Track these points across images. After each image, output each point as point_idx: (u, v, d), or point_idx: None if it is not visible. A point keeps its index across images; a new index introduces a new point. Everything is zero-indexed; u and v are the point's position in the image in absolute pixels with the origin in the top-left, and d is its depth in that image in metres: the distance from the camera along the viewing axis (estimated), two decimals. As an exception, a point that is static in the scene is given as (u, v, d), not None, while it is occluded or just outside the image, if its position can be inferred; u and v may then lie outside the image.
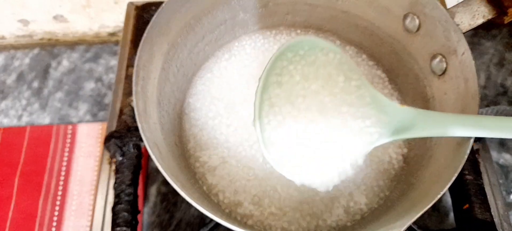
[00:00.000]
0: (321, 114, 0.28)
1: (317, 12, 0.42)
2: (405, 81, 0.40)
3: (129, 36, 0.46)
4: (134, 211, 0.36)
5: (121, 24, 0.53)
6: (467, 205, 0.36)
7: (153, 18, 0.33)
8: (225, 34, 0.42)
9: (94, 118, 0.49)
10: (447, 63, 0.33)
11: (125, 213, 0.35)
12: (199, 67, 0.42)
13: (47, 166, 0.45)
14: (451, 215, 0.41)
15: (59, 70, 0.53)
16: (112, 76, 0.52)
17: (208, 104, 0.40)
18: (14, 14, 0.54)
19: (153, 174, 0.45)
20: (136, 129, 0.38)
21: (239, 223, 0.35)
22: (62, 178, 0.45)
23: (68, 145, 0.47)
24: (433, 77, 0.35)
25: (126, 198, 0.36)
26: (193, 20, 0.37)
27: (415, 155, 0.37)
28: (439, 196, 0.27)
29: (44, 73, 0.52)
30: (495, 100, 0.50)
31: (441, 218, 0.42)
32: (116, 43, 0.55)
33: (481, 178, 0.37)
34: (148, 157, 0.44)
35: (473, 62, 0.30)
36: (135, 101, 0.30)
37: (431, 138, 0.34)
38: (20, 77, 0.52)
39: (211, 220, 0.35)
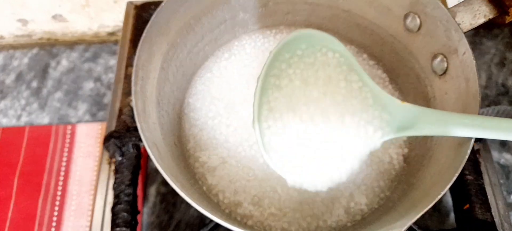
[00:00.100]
0: (323, 122, 0.28)
1: (318, 11, 0.42)
2: (406, 81, 0.40)
3: (128, 36, 0.46)
4: (133, 211, 0.36)
5: (121, 24, 0.52)
6: (467, 205, 0.36)
7: (152, 17, 0.33)
8: (225, 34, 0.42)
9: (93, 118, 0.49)
10: (448, 63, 0.33)
11: (125, 213, 0.35)
12: (198, 67, 0.42)
13: (47, 166, 0.45)
14: (452, 215, 0.41)
15: (58, 70, 0.53)
16: (111, 76, 0.52)
17: (208, 104, 0.40)
18: (13, 13, 0.54)
19: (152, 174, 0.44)
20: (136, 129, 0.38)
21: (239, 223, 0.35)
22: (61, 178, 0.45)
23: (67, 145, 0.46)
24: (434, 77, 0.35)
25: (126, 198, 0.36)
26: (193, 20, 0.37)
27: (416, 155, 0.37)
28: (439, 196, 0.27)
29: (43, 73, 0.52)
30: (496, 100, 0.50)
31: (442, 218, 0.42)
32: (116, 42, 0.55)
33: (482, 178, 0.37)
34: (148, 157, 0.43)
35: (474, 62, 0.30)
36: (134, 101, 0.30)
37: (431, 137, 0.34)
38: (19, 77, 0.52)
39: (211, 220, 0.35)
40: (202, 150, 0.37)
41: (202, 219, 0.42)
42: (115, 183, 0.37)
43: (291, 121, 0.28)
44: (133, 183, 0.37)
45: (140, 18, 0.47)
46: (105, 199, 0.38)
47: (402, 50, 0.39)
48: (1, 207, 0.43)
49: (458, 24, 0.32)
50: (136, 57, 0.31)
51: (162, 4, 0.33)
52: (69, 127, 0.47)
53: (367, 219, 0.35)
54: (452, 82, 0.33)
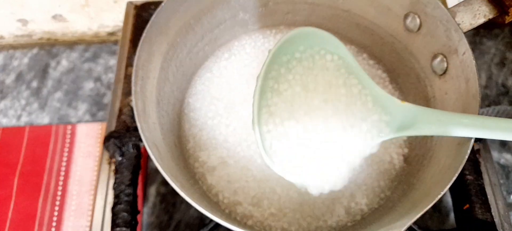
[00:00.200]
0: (325, 129, 0.28)
1: (318, 11, 0.42)
2: (406, 80, 0.40)
3: (128, 36, 0.46)
4: (133, 211, 0.36)
5: (120, 24, 0.52)
6: (467, 205, 0.36)
7: (152, 17, 0.33)
8: (225, 34, 0.42)
9: (93, 118, 0.49)
10: (448, 63, 0.33)
11: (125, 213, 0.35)
12: (198, 67, 0.42)
13: (47, 166, 0.45)
14: (452, 215, 0.41)
15: (58, 70, 0.53)
16: (111, 76, 0.52)
17: (208, 104, 0.40)
18: (13, 13, 0.54)
19: (152, 174, 0.44)
20: (136, 129, 0.38)
21: (239, 223, 0.35)
22: (61, 178, 0.45)
23: (67, 145, 0.46)
24: (434, 77, 0.35)
25: (126, 198, 0.36)
26: (193, 20, 0.37)
27: (416, 155, 0.37)
28: (439, 196, 0.27)
29: (43, 73, 0.52)
30: (496, 100, 0.50)
31: (442, 218, 0.42)
32: (115, 42, 0.55)
33: (482, 178, 0.37)
34: (148, 157, 0.43)
35: (474, 62, 0.30)
36: (134, 101, 0.30)
37: (431, 137, 0.34)
38: (19, 77, 0.52)
39: (211, 220, 0.35)
40: (201, 150, 0.37)
41: (202, 219, 0.42)
42: (115, 183, 0.37)
43: (292, 128, 0.28)
44: (133, 183, 0.37)
45: (140, 18, 0.47)
46: (105, 199, 0.38)
47: (402, 50, 0.39)
48: (1, 207, 0.43)
49: (458, 24, 0.32)
50: (136, 57, 0.31)
51: (162, 4, 0.33)
52: (69, 127, 0.47)
53: (367, 219, 0.35)
54: (452, 82, 0.33)
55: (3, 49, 0.54)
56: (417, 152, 0.37)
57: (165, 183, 0.43)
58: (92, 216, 0.37)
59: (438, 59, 0.34)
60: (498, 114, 0.45)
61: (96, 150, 0.46)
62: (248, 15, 0.42)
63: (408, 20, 0.36)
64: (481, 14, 0.32)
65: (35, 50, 0.54)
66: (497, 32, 0.55)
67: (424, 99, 0.37)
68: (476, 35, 0.55)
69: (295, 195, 0.35)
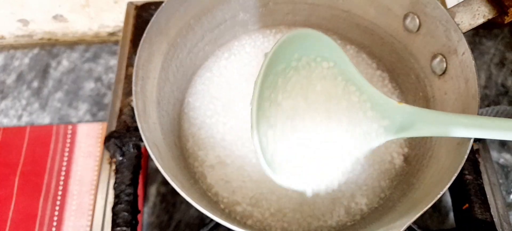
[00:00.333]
0: (326, 135, 0.28)
1: (318, 11, 0.42)
2: (406, 80, 0.40)
3: (128, 36, 0.46)
4: (134, 211, 0.36)
5: (121, 24, 0.53)
6: (467, 205, 0.36)
7: (153, 17, 0.33)
8: (225, 34, 0.42)
9: (94, 118, 0.49)
10: (447, 63, 0.33)
11: (125, 213, 0.35)
12: (198, 67, 0.42)
13: (47, 166, 0.45)
14: (451, 215, 0.41)
15: (59, 70, 0.53)
16: (111, 76, 0.52)
17: (207, 103, 0.40)
18: (13, 13, 0.54)
19: (152, 174, 0.45)
20: (136, 128, 0.38)
21: (239, 223, 0.35)
22: (62, 178, 0.45)
23: (68, 145, 0.46)
24: (434, 77, 0.35)
25: (126, 198, 0.36)
26: (193, 20, 0.37)
27: (416, 154, 0.37)
28: (439, 196, 0.27)
29: (44, 73, 0.52)
30: (495, 100, 0.50)
31: (441, 218, 0.42)
32: (116, 43, 0.55)
33: (481, 178, 0.37)
34: (148, 156, 0.44)
35: (473, 62, 0.30)
36: (134, 101, 0.30)
37: (431, 137, 0.34)
38: (20, 77, 0.52)
39: (211, 220, 0.35)
40: (200, 149, 0.38)
41: (202, 218, 0.42)
42: (115, 182, 0.37)
43: (294, 139, 0.28)
44: (134, 183, 0.37)
45: (140, 18, 0.47)
46: (105, 198, 0.38)
47: (402, 50, 0.39)
48: (1, 207, 0.43)
49: (458, 25, 0.32)
50: (136, 57, 0.31)
51: (163, 4, 0.33)
52: (70, 127, 0.48)
53: (367, 218, 0.35)
54: (452, 82, 0.33)
55: (4, 49, 0.54)
56: (416, 151, 0.37)
57: (165, 182, 0.43)
58: (92, 216, 0.37)
59: (438, 59, 0.34)
60: (498, 114, 0.45)
61: (97, 149, 0.46)
62: (248, 15, 0.42)
63: (408, 21, 0.36)
64: (481, 14, 0.32)
65: (35, 50, 0.54)
66: (497, 32, 0.55)
67: (424, 99, 0.37)
68: (476, 36, 0.55)
69: (295, 195, 0.35)
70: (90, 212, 0.43)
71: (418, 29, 0.36)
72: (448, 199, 0.42)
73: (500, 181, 0.45)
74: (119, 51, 0.46)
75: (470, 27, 0.32)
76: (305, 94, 0.29)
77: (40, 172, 0.45)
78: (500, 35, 0.55)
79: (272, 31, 0.44)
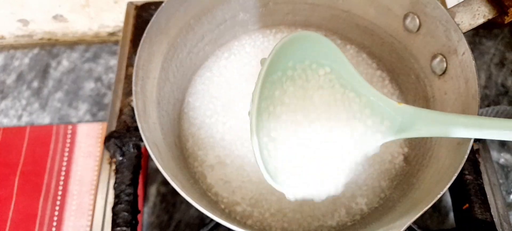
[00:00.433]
0: (327, 147, 0.28)
1: (318, 11, 0.42)
2: (406, 80, 0.40)
3: (128, 36, 0.46)
4: (134, 211, 0.36)
5: (121, 24, 0.53)
6: (467, 205, 0.36)
7: (153, 18, 0.33)
8: (225, 34, 0.42)
9: (94, 118, 0.49)
10: (447, 63, 0.33)
11: (125, 213, 0.35)
12: (198, 67, 0.42)
13: (47, 166, 0.45)
14: (451, 215, 0.41)
15: (59, 70, 0.53)
16: (111, 76, 0.52)
17: (207, 103, 0.40)
18: (13, 13, 0.54)
19: (152, 174, 0.45)
20: (136, 128, 0.38)
21: (239, 223, 0.35)
22: (62, 178, 0.45)
23: (68, 145, 0.46)
24: (434, 77, 0.35)
25: (126, 198, 0.36)
26: (193, 20, 0.37)
27: (416, 154, 0.37)
28: (439, 196, 0.27)
29: (44, 73, 0.52)
30: (495, 100, 0.50)
31: (441, 218, 0.42)
32: (116, 43, 0.55)
33: (481, 178, 0.37)
34: (148, 156, 0.44)
35: (473, 62, 0.30)
36: (134, 101, 0.30)
37: (431, 137, 0.34)
38: (20, 77, 0.52)
39: (211, 220, 0.35)
40: (200, 149, 0.38)
41: (202, 218, 0.42)
42: (115, 182, 0.37)
43: (298, 153, 0.28)
44: (134, 183, 0.37)
45: (140, 18, 0.47)
46: (105, 198, 0.38)
47: (402, 50, 0.39)
48: (1, 207, 0.43)
49: (458, 25, 0.32)
50: (136, 57, 0.31)
51: (163, 4, 0.33)
52: (70, 127, 0.48)
53: (367, 218, 0.35)
54: (452, 82, 0.33)
55: (4, 49, 0.54)
56: (417, 151, 0.37)
57: (165, 182, 0.43)
58: (92, 216, 0.37)
59: (438, 59, 0.34)
60: (498, 115, 0.45)
61: (97, 149, 0.46)
62: (248, 15, 0.42)
63: (408, 21, 0.36)
64: (481, 14, 0.32)
65: (35, 50, 0.54)
66: (497, 33, 0.55)
67: (424, 99, 0.37)
68: (476, 36, 0.55)
69: (295, 195, 0.35)
70: (90, 212, 0.43)
71: (418, 29, 0.36)
72: (448, 199, 0.42)
73: (500, 181, 0.45)
74: (119, 51, 0.46)
75: (470, 27, 0.32)
76: (303, 106, 0.28)
77: (40, 172, 0.45)
78: (500, 35, 0.55)
79: (272, 31, 0.44)
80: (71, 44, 0.55)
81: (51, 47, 0.54)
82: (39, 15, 0.55)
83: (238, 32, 0.43)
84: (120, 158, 0.38)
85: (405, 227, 0.26)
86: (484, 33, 0.55)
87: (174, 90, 0.38)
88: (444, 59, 0.34)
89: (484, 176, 0.40)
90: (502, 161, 0.46)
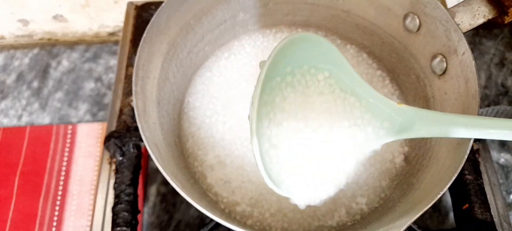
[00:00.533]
0: (328, 148, 0.28)
1: (318, 11, 0.42)
2: (406, 80, 0.40)
3: (128, 36, 0.46)
4: (134, 211, 0.36)
5: (121, 24, 0.53)
6: (467, 205, 0.36)
7: (153, 17, 0.33)
8: (225, 34, 0.42)
9: (94, 118, 0.49)
10: (447, 63, 0.33)
11: (125, 213, 0.35)
12: (198, 67, 0.42)
13: (47, 166, 0.45)
14: (451, 215, 0.41)
15: (59, 70, 0.53)
16: (111, 76, 0.52)
17: (207, 103, 0.40)
18: (13, 13, 0.54)
19: (152, 174, 0.45)
20: (136, 128, 0.38)
21: (239, 222, 0.35)
22: (62, 178, 0.45)
23: (68, 145, 0.46)
24: (434, 77, 0.35)
25: (126, 198, 0.36)
26: (193, 20, 0.37)
27: (416, 154, 0.37)
28: (439, 196, 0.27)
29: (44, 73, 0.52)
30: (495, 100, 0.50)
31: (441, 218, 0.42)
32: (116, 43, 0.55)
33: (481, 178, 0.37)
34: (148, 156, 0.44)
35: (473, 62, 0.30)
36: (134, 101, 0.30)
37: (431, 137, 0.34)
38: (20, 77, 0.52)
39: (211, 220, 0.35)
40: (200, 149, 0.38)
41: (202, 218, 0.42)
42: (115, 182, 0.37)
43: (298, 155, 0.28)
44: (134, 183, 0.37)
45: (140, 18, 0.47)
46: (105, 198, 0.38)
47: (402, 51, 0.39)
48: (1, 207, 0.43)
49: (458, 25, 0.32)
50: (136, 57, 0.31)
51: (163, 4, 0.33)
52: (70, 127, 0.48)
53: (367, 218, 0.35)
54: (452, 82, 0.33)
55: (4, 49, 0.54)
56: (417, 151, 0.37)
57: (165, 182, 0.43)
58: (92, 216, 0.37)
59: (438, 59, 0.34)
60: (498, 114, 0.45)
61: (97, 149, 0.46)
62: (248, 15, 0.42)
63: (408, 21, 0.36)
64: (481, 14, 0.32)
65: (35, 50, 0.54)
66: (497, 33, 0.55)
67: (424, 99, 0.37)
68: (476, 36, 0.55)
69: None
70: (90, 212, 0.43)
71: (418, 29, 0.36)
72: (448, 199, 0.42)
73: (500, 181, 0.45)
74: (119, 51, 0.46)
75: (470, 27, 0.32)
76: (304, 113, 0.28)
77: (40, 172, 0.45)
78: (500, 35, 0.55)
79: (272, 31, 0.44)
80: (71, 44, 0.55)
81: (51, 47, 0.54)
82: (39, 15, 0.55)
83: (238, 32, 0.43)
84: (120, 158, 0.38)
85: (405, 227, 0.26)
86: (484, 33, 0.55)
87: (174, 90, 0.38)
88: (444, 59, 0.34)
89: (484, 176, 0.40)
90: (502, 161, 0.46)
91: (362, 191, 0.36)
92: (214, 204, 0.35)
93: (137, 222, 0.36)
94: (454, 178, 0.27)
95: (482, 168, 0.39)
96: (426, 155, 0.34)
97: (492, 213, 0.36)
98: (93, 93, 0.51)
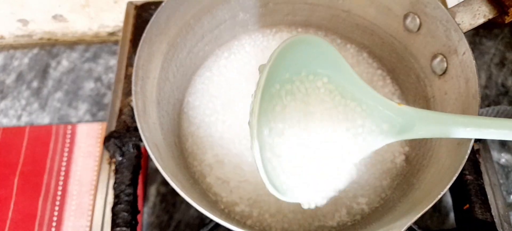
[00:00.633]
0: (328, 151, 0.28)
1: (318, 11, 0.42)
2: (406, 80, 0.40)
3: (128, 36, 0.46)
4: (133, 211, 0.36)
5: (121, 24, 0.53)
6: (467, 205, 0.36)
7: (153, 17, 0.33)
8: (225, 34, 0.42)
9: (94, 118, 0.49)
10: (447, 63, 0.33)
11: (125, 213, 0.35)
12: (198, 66, 0.42)
13: (47, 166, 0.45)
14: (452, 215, 0.41)
15: (59, 70, 0.53)
16: (111, 76, 0.52)
17: (206, 102, 0.40)
18: (13, 13, 0.54)
19: (152, 174, 0.44)
20: (136, 128, 0.38)
21: (238, 223, 0.35)
22: (61, 178, 0.45)
23: (67, 145, 0.46)
24: (434, 77, 0.35)
25: (126, 198, 0.36)
26: (193, 20, 0.37)
27: (416, 155, 0.37)
28: (439, 197, 0.27)
29: (44, 73, 0.52)
30: (496, 100, 0.50)
31: (442, 218, 0.42)
32: (116, 42, 0.55)
33: (482, 178, 0.37)
34: (148, 157, 0.44)
35: (473, 62, 0.30)
36: (134, 101, 0.30)
37: (431, 137, 0.34)
38: (20, 77, 0.52)
39: (211, 220, 0.35)
40: (199, 148, 0.38)
41: (202, 218, 0.42)
42: (115, 183, 0.37)
43: (300, 161, 0.28)
44: (133, 183, 0.37)
45: (140, 18, 0.47)
46: (105, 199, 0.38)
47: (402, 50, 0.39)
48: (1, 207, 0.43)
49: (458, 24, 0.32)
50: (136, 57, 0.31)
51: (162, 4, 0.33)
52: (70, 127, 0.48)
53: (367, 219, 0.35)
54: (452, 82, 0.33)
55: (4, 49, 0.54)
56: (417, 151, 0.37)
57: (165, 182, 0.43)
58: (92, 216, 0.37)
59: (438, 59, 0.34)
60: (498, 115, 0.45)
61: (96, 150, 0.46)
62: (248, 15, 0.42)
63: (408, 21, 0.36)
64: (481, 14, 0.32)
65: (35, 50, 0.54)
66: (497, 32, 0.55)
67: (424, 99, 0.37)
68: (476, 35, 0.55)
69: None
70: (90, 212, 0.42)
71: (418, 29, 0.36)
72: (449, 199, 0.42)
73: (501, 181, 0.45)
74: (119, 51, 0.46)
75: (471, 27, 0.32)
76: (306, 123, 0.28)
77: (39, 172, 0.45)
78: (500, 35, 0.55)
79: (272, 31, 0.44)
80: (71, 44, 0.55)
81: (50, 47, 0.54)
82: (39, 15, 0.55)
83: (238, 32, 0.43)
84: (120, 158, 0.38)
85: (405, 227, 0.26)
86: (484, 33, 0.55)
87: (174, 90, 0.38)
88: (444, 59, 0.34)
89: (485, 176, 0.40)
90: (502, 161, 0.46)
91: (363, 191, 0.36)
92: (213, 204, 0.35)
93: (136, 222, 0.36)
94: (454, 178, 0.27)
95: (482, 168, 0.39)
96: (426, 155, 0.34)
97: (493, 213, 0.36)
98: (92, 93, 0.51)
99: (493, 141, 0.46)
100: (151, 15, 0.33)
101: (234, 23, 0.42)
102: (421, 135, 0.28)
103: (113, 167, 0.39)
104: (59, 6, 0.54)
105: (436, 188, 0.28)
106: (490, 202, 0.36)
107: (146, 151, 0.34)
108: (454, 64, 0.33)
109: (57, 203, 0.43)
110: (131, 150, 0.38)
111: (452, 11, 0.32)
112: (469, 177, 0.37)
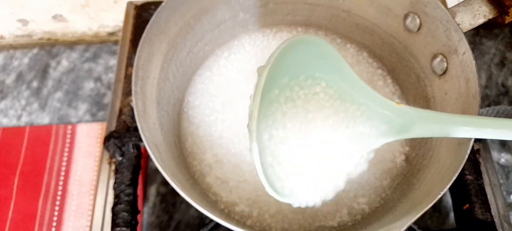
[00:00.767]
0: (328, 152, 0.28)
1: (318, 11, 0.42)
2: (406, 80, 0.40)
3: (128, 36, 0.46)
4: (133, 211, 0.36)
5: (121, 24, 0.53)
6: (467, 205, 0.36)
7: (153, 17, 0.33)
8: (225, 34, 0.42)
9: (94, 118, 0.49)
10: (448, 63, 0.33)
11: (125, 213, 0.35)
12: (198, 66, 0.42)
13: (47, 166, 0.45)
14: (452, 215, 0.41)
15: (58, 70, 0.53)
16: (111, 76, 0.52)
17: (206, 102, 0.40)
18: (13, 13, 0.54)
19: (152, 174, 0.44)
20: (136, 128, 0.38)
21: (238, 223, 0.35)
22: (61, 178, 0.45)
23: (67, 145, 0.46)
24: (434, 77, 0.35)
25: (126, 198, 0.36)
26: (193, 20, 0.37)
27: (416, 154, 0.37)
28: (439, 197, 0.27)
29: (43, 73, 0.52)
30: (496, 100, 0.50)
31: (442, 218, 0.42)
32: (116, 42, 0.55)
33: (482, 178, 0.37)
34: (148, 157, 0.44)
35: (474, 62, 0.30)
36: (134, 101, 0.30)
37: (431, 137, 0.34)
38: (19, 77, 0.52)
39: (211, 220, 0.35)
40: (198, 148, 0.38)
41: (202, 218, 0.42)
42: (115, 183, 0.37)
43: (301, 165, 0.28)
44: (133, 183, 0.37)
45: (140, 18, 0.47)
46: (105, 199, 0.38)
47: (402, 50, 0.39)
48: (1, 207, 0.43)
49: (458, 24, 0.32)
50: (136, 57, 0.31)
51: (162, 4, 0.33)
52: (69, 127, 0.48)
53: (368, 219, 0.35)
54: (452, 82, 0.33)
55: (4, 49, 0.54)
56: (417, 151, 0.37)
57: (165, 182, 0.43)
58: (92, 216, 0.37)
59: (438, 59, 0.34)
60: (498, 114, 0.45)
61: (96, 150, 0.46)
62: (248, 15, 0.42)
63: (408, 20, 0.36)
64: (481, 14, 0.32)
65: (35, 50, 0.54)
66: (497, 32, 0.55)
67: (424, 99, 0.37)
68: (476, 35, 0.55)
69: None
70: (90, 212, 0.42)
71: (418, 29, 0.36)
72: (449, 199, 0.42)
73: (501, 181, 0.45)
74: (118, 51, 0.46)
75: (471, 27, 0.32)
76: (307, 130, 0.28)
77: (39, 172, 0.45)
78: (500, 35, 0.55)
79: (272, 31, 0.44)
80: (71, 44, 0.55)
81: (50, 47, 0.54)
82: (38, 15, 0.55)
83: (238, 32, 0.43)
84: (120, 158, 0.38)
85: (405, 227, 0.26)
86: (484, 33, 0.55)
87: (174, 90, 0.38)
88: (444, 59, 0.34)
89: (485, 176, 0.40)
90: (502, 161, 0.46)
91: (363, 191, 0.36)
92: (213, 204, 0.35)
93: (136, 222, 0.36)
94: (454, 178, 0.27)
95: (482, 168, 0.39)
96: (426, 155, 0.34)
97: (493, 213, 0.36)
98: (92, 93, 0.51)
99: (493, 141, 0.46)
100: (151, 15, 0.33)
101: (234, 23, 0.42)
102: (420, 135, 0.28)
103: (113, 167, 0.39)
104: (59, 6, 0.54)
105: (436, 188, 0.28)
106: (490, 202, 0.36)
107: (146, 151, 0.34)
108: (454, 64, 0.33)
109: (57, 203, 0.43)
110: (131, 150, 0.38)
111: (452, 11, 0.32)
112: (469, 177, 0.37)
